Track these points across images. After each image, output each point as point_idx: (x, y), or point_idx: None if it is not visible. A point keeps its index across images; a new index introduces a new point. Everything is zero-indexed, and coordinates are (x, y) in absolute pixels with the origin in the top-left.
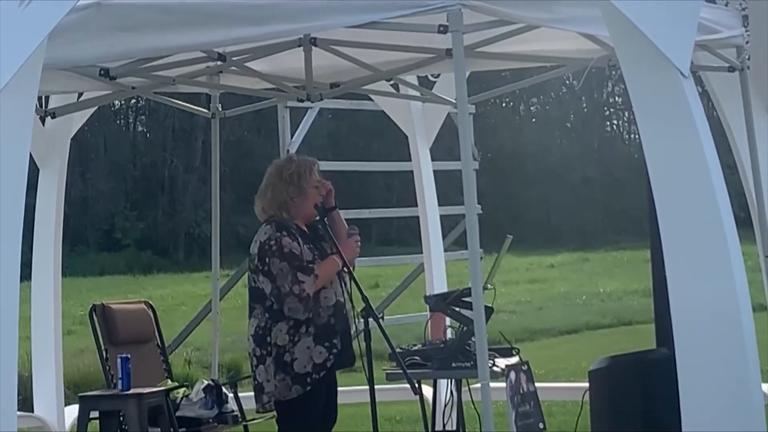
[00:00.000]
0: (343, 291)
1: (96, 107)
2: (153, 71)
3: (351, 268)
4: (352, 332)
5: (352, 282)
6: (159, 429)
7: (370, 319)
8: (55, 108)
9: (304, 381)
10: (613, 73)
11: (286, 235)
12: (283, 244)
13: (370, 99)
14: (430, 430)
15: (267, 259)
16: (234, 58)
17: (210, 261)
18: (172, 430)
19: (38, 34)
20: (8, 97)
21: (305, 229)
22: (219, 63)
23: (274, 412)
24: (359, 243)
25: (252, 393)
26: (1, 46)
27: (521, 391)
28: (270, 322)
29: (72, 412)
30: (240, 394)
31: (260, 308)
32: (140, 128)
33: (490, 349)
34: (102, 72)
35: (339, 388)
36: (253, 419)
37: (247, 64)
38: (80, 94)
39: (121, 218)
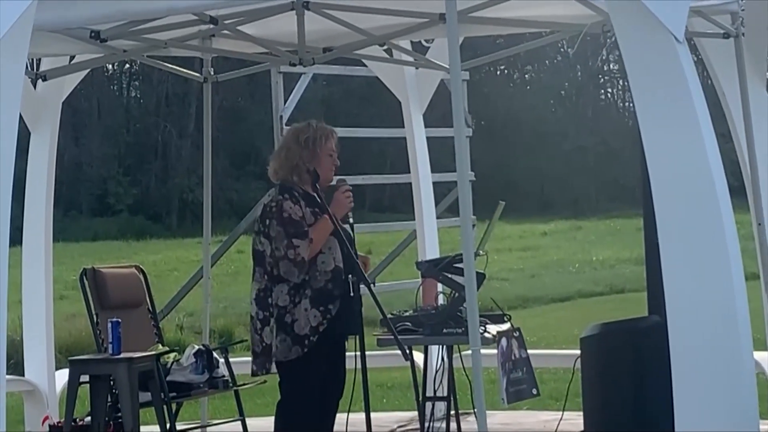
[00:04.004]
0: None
1: (88, 70)
2: (144, 34)
3: (340, 228)
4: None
5: (345, 244)
6: (149, 393)
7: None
8: (46, 71)
9: (303, 342)
10: (608, 40)
11: (289, 198)
12: (284, 208)
13: (364, 65)
14: (421, 396)
15: (267, 221)
16: (226, 22)
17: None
18: (162, 394)
19: None
20: None
21: (314, 193)
22: (211, 26)
23: (264, 378)
24: (349, 194)
25: (245, 358)
26: None
27: (513, 358)
28: (270, 284)
29: (63, 376)
30: (231, 359)
31: (261, 270)
32: (134, 93)
33: (481, 316)
34: (92, 34)
35: None
36: (244, 384)
37: (239, 28)
38: (72, 57)
39: (114, 183)
